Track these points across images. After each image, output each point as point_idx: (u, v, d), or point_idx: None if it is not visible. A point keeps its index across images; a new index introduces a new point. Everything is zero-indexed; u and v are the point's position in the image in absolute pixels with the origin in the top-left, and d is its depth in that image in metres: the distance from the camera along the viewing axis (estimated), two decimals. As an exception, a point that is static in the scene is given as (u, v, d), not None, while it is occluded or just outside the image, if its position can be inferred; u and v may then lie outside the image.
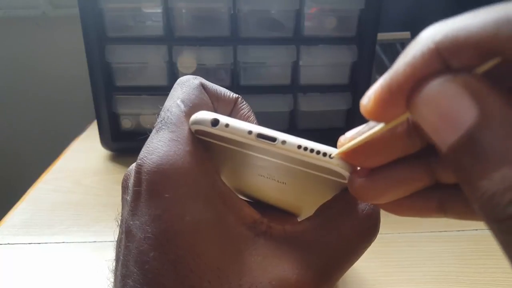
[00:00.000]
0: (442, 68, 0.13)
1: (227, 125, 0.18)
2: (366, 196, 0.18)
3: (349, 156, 0.17)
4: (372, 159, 0.17)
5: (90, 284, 0.33)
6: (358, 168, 0.18)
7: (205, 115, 0.19)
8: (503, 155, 0.11)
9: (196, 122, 0.19)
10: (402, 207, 0.18)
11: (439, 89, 0.13)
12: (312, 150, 0.18)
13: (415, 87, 0.13)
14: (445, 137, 0.13)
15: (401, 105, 0.14)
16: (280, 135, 0.18)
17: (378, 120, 0.15)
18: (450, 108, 0.12)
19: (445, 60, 0.13)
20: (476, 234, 0.39)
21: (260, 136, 0.18)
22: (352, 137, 0.17)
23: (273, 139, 0.18)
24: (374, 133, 0.16)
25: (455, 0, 0.65)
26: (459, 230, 0.39)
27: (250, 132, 0.18)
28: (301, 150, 0.18)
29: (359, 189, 0.17)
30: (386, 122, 0.15)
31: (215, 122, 0.18)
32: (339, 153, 0.17)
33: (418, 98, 0.13)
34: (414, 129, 0.16)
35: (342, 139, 0.18)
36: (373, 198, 0.18)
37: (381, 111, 0.15)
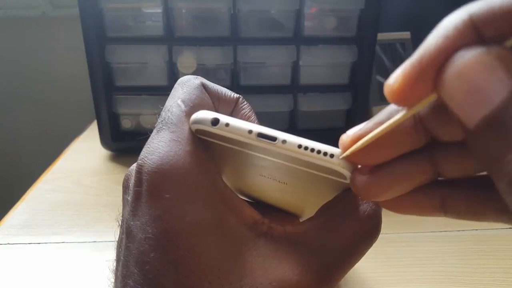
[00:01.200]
0: (476, 40, 0.13)
1: (227, 125, 0.18)
2: (370, 194, 0.17)
3: (354, 153, 0.17)
4: (377, 156, 0.17)
5: (90, 284, 0.33)
6: (359, 166, 0.18)
7: (205, 114, 0.19)
8: None
9: (197, 122, 0.19)
10: (403, 204, 0.18)
11: (471, 61, 0.12)
12: (312, 150, 0.18)
13: (447, 61, 0.13)
14: (473, 111, 0.12)
15: (431, 81, 0.13)
16: (281, 135, 0.18)
17: (402, 102, 0.15)
18: (482, 81, 0.12)
19: (479, 31, 0.12)
20: (476, 234, 0.39)
21: (261, 135, 0.18)
22: (354, 135, 0.17)
23: (274, 139, 0.18)
24: (393, 122, 0.15)
25: (455, 0, 0.65)
26: (459, 230, 0.39)
27: (250, 132, 0.18)
28: (302, 149, 0.18)
29: (362, 187, 0.17)
30: (410, 104, 0.15)
31: (215, 122, 0.18)
32: (351, 152, 0.17)
33: (448, 71, 0.13)
34: (420, 123, 0.16)
35: (344, 137, 0.17)
36: (377, 195, 0.17)
37: (409, 90, 0.14)
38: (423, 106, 0.14)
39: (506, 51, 0.12)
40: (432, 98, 0.14)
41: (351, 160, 0.17)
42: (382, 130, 0.16)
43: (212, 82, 0.23)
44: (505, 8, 0.12)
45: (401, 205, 0.18)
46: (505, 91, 0.12)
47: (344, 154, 0.17)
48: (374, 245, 0.20)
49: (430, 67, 0.13)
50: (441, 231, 0.39)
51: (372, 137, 0.16)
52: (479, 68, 0.12)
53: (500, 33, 0.12)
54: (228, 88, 0.24)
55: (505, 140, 0.12)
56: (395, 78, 0.14)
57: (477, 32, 0.13)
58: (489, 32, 0.12)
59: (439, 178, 0.18)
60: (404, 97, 0.14)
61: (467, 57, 0.12)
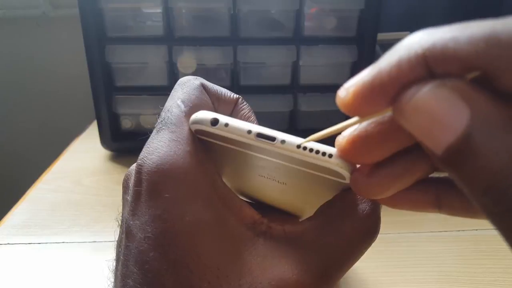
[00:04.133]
0: (426, 74, 0.13)
1: (226, 125, 0.18)
2: (370, 193, 0.17)
3: (350, 153, 0.17)
4: (374, 154, 0.17)
5: (90, 284, 0.33)
6: (358, 166, 0.18)
7: (205, 114, 0.19)
8: (500, 149, 0.12)
9: (196, 122, 0.19)
10: (399, 200, 0.18)
11: (430, 94, 0.13)
12: (311, 150, 0.18)
13: (400, 92, 0.14)
14: (439, 140, 0.13)
15: (380, 104, 0.14)
16: (280, 135, 0.18)
17: (352, 114, 0.16)
18: (443, 112, 0.13)
19: (430, 67, 0.13)
20: (476, 234, 0.39)
21: (260, 135, 0.18)
22: (349, 135, 0.17)
23: (273, 139, 0.18)
24: (347, 125, 0.16)
25: (454, 0, 0.65)
26: (459, 230, 0.39)
27: (249, 132, 0.18)
28: (300, 149, 0.18)
29: (363, 187, 0.17)
30: (361, 117, 0.16)
31: (214, 122, 0.18)
32: (308, 141, 0.18)
33: (407, 104, 0.14)
34: None
35: (339, 138, 0.17)
36: (377, 194, 0.17)
37: (357, 107, 0.15)
38: (374, 117, 0.15)
39: (460, 82, 0.13)
40: (384, 112, 0.15)
41: (347, 160, 0.17)
42: (336, 130, 0.17)
43: (212, 82, 0.23)
44: (458, 55, 0.12)
45: (397, 201, 0.18)
46: (465, 119, 0.12)
47: (305, 140, 0.18)
48: (374, 245, 0.20)
49: (380, 94, 0.14)
50: (441, 231, 0.39)
51: (324, 134, 0.17)
52: (438, 101, 0.13)
53: (450, 73, 0.13)
54: (228, 88, 0.24)
55: (473, 162, 0.12)
56: (346, 92, 0.15)
57: (427, 67, 0.13)
58: (439, 70, 0.13)
59: (436, 175, 0.18)
60: (353, 111, 0.15)
61: (424, 91, 0.13)
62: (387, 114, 0.15)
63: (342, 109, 0.15)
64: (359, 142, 0.17)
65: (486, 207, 0.13)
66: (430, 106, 0.13)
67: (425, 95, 0.13)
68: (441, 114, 0.13)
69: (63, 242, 0.39)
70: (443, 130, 0.13)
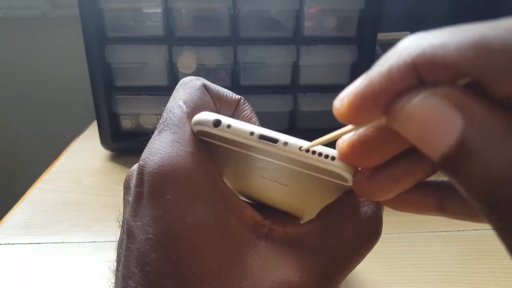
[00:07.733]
0: (417, 82, 0.13)
1: (229, 126, 0.18)
2: (373, 194, 0.17)
3: (351, 157, 0.17)
4: (373, 157, 0.17)
5: (90, 285, 0.33)
6: (360, 168, 0.18)
7: (207, 115, 0.19)
8: (495, 157, 0.12)
9: (198, 123, 0.19)
10: (402, 203, 0.18)
11: (421, 104, 0.13)
12: (314, 152, 0.18)
13: (393, 101, 0.14)
14: (435, 147, 0.13)
15: (374, 112, 0.14)
16: (282, 137, 0.18)
17: (349, 123, 0.16)
18: (435, 121, 0.13)
19: (420, 76, 0.13)
20: (476, 234, 0.39)
21: (262, 137, 0.18)
22: (349, 140, 0.17)
23: (275, 141, 0.18)
24: (344, 132, 0.16)
25: (454, 0, 0.65)
26: (459, 230, 0.39)
27: (252, 133, 0.18)
28: (303, 152, 0.18)
29: (365, 189, 0.17)
30: (357, 125, 0.16)
31: (217, 123, 0.18)
32: (309, 146, 0.18)
33: (401, 113, 0.13)
34: None
35: (340, 142, 0.18)
36: (380, 196, 0.17)
37: (353, 116, 0.15)
38: (371, 125, 0.16)
39: (452, 90, 0.13)
40: (379, 121, 0.15)
41: (350, 163, 0.17)
42: (335, 136, 0.17)
43: (212, 82, 0.23)
44: (446, 62, 0.12)
45: (400, 204, 0.18)
46: (458, 127, 0.12)
47: (308, 145, 0.18)
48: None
49: (373, 103, 0.14)
50: (441, 231, 0.39)
51: (325, 140, 0.17)
52: (431, 109, 0.13)
53: (440, 81, 0.13)
54: (228, 88, 0.24)
55: (470, 168, 0.12)
56: (341, 102, 0.15)
57: (418, 75, 0.13)
58: (429, 78, 0.13)
59: (439, 179, 0.18)
60: (349, 121, 0.15)
61: (416, 100, 0.13)
62: (383, 122, 0.15)
63: (339, 119, 0.16)
64: (359, 146, 0.17)
65: (482, 212, 0.13)
66: (422, 115, 0.13)
67: (417, 104, 0.13)
68: (433, 123, 0.13)
69: (63, 242, 0.39)
70: (437, 139, 0.13)
